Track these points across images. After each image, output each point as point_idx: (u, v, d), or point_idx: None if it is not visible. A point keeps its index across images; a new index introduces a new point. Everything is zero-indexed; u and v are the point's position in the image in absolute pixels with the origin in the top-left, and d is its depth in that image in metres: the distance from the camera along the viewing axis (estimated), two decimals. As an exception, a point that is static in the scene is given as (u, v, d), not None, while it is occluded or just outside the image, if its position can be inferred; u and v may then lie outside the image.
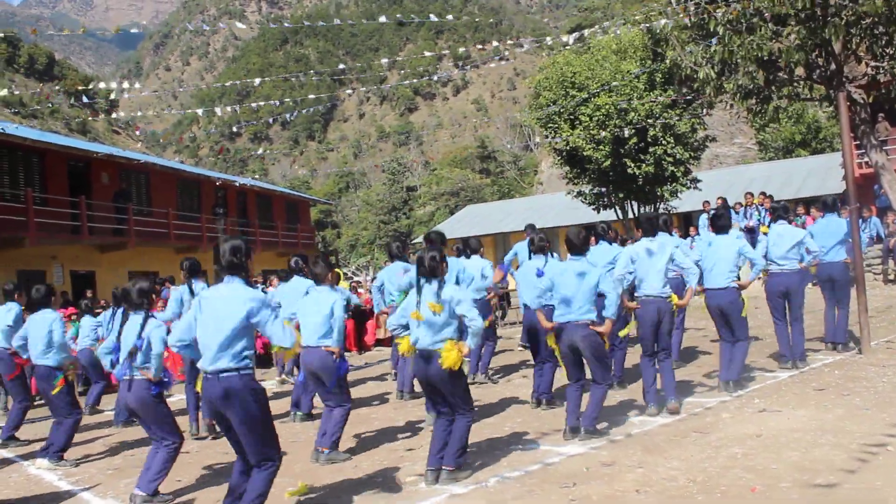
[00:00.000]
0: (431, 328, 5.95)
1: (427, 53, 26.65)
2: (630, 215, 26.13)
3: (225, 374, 5.01)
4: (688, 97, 20.66)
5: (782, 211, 9.83)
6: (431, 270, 6.08)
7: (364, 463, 6.80)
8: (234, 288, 5.16)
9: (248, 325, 5.10)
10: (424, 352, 5.98)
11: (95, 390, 12.00)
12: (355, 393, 10.72)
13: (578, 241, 7.06)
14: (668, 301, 7.60)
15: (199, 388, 5.26)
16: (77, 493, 6.78)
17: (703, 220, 17.72)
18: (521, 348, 12.91)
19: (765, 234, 9.39)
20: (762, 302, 14.52)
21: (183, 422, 9.52)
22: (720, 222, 8.72)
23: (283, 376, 12.97)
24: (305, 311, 7.23)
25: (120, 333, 6.44)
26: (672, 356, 9.72)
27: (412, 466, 6.43)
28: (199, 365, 5.11)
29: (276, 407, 10.24)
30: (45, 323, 8.06)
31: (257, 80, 17.63)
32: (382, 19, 16.22)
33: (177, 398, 11.11)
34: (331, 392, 7.07)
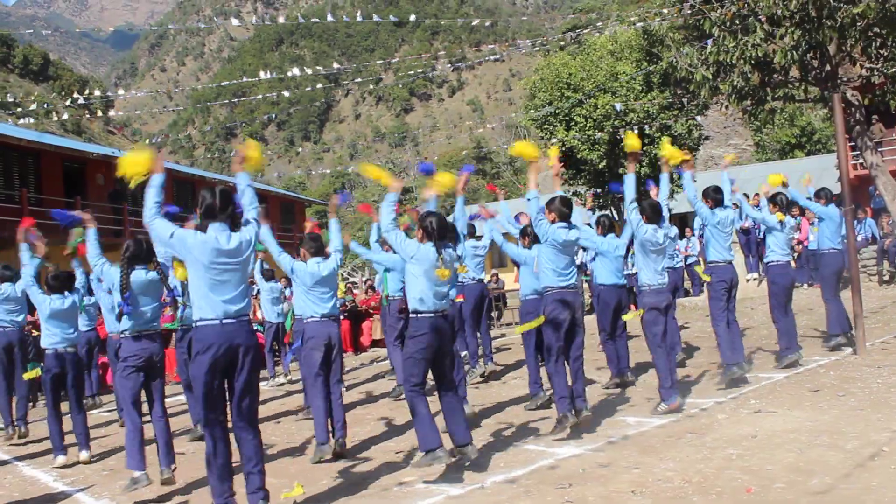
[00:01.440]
0: (444, 290, 6.04)
1: (424, 56, 26.66)
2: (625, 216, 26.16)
3: (246, 319, 5.05)
4: (683, 98, 20.71)
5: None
6: (447, 233, 6.16)
7: (360, 463, 6.79)
8: (237, 234, 5.13)
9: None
10: (441, 314, 6.03)
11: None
12: (352, 394, 10.74)
13: (569, 209, 7.15)
14: (668, 290, 7.73)
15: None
16: (72, 493, 6.76)
17: (699, 221, 17.73)
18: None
19: (781, 221, 9.44)
20: (755, 302, 14.57)
21: (184, 420, 9.53)
22: (719, 195, 8.87)
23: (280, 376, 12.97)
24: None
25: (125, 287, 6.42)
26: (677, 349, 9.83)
27: (408, 466, 6.42)
28: (209, 314, 4.95)
29: (270, 409, 10.24)
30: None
31: (255, 78, 17.59)
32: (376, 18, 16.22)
33: (173, 400, 11.11)
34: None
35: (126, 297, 6.27)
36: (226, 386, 5.11)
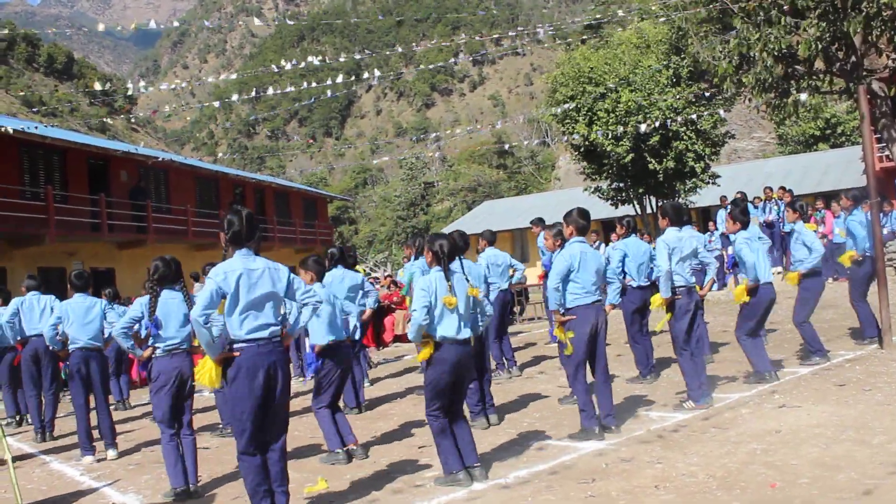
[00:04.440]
0: (465, 316, 5.89)
1: (446, 43, 26.42)
2: (648, 210, 26.06)
3: (278, 340, 5.10)
4: (706, 92, 20.57)
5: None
6: (456, 256, 6.03)
7: (382, 459, 6.81)
8: (262, 259, 5.17)
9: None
10: (463, 342, 5.85)
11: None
12: (375, 389, 10.77)
13: (587, 221, 7.04)
14: (697, 291, 7.69)
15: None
16: (98, 488, 6.83)
17: (721, 214, 17.63)
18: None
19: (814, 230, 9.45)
20: (778, 296, 14.46)
21: (210, 417, 9.61)
22: (746, 217, 8.77)
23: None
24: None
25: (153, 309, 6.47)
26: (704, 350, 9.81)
27: (430, 462, 6.43)
28: (251, 335, 4.98)
29: (294, 404, 10.30)
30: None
31: (274, 67, 17.61)
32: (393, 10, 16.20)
33: (202, 395, 11.18)
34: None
35: (155, 320, 6.32)
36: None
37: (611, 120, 23.56)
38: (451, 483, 5.69)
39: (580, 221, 6.96)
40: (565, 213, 7.09)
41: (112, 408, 11.59)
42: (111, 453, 8.04)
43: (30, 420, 10.63)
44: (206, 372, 5.01)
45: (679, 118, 22.39)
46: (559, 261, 6.87)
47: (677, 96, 22.84)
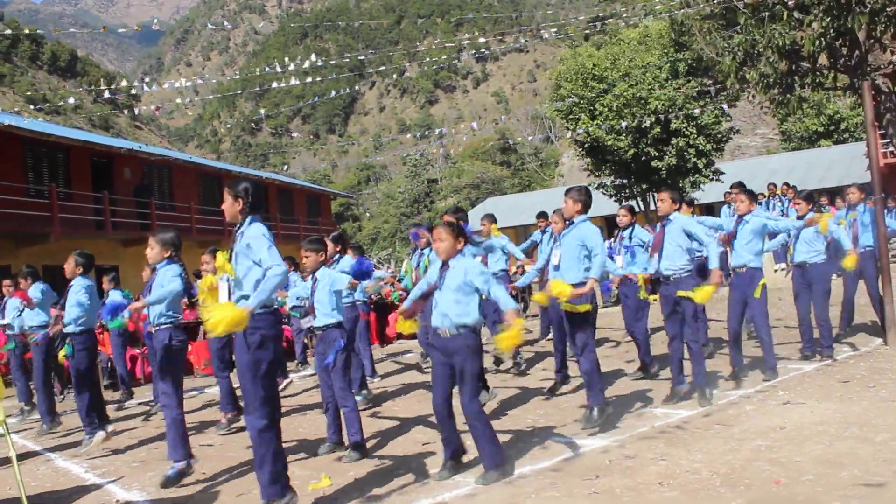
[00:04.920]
0: None
1: (447, 40, 26.41)
2: (651, 207, 26.04)
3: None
4: (709, 88, 20.56)
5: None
6: None
7: (387, 455, 6.81)
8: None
9: None
10: None
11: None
12: (380, 385, 10.76)
13: (590, 198, 7.10)
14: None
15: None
16: (103, 485, 6.83)
17: (726, 210, 17.60)
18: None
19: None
20: (783, 293, 14.44)
21: (213, 414, 9.61)
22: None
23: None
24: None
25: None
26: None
27: (435, 458, 6.43)
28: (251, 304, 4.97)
29: (300, 400, 10.30)
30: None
31: (277, 65, 17.65)
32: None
33: (205, 392, 11.21)
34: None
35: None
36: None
37: (610, 115, 23.59)
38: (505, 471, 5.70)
39: (586, 198, 7.01)
40: (567, 189, 7.14)
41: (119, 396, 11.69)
42: (108, 428, 8.11)
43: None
44: (226, 319, 4.70)
45: (679, 114, 22.40)
46: (598, 234, 6.91)
47: (676, 89, 22.83)
